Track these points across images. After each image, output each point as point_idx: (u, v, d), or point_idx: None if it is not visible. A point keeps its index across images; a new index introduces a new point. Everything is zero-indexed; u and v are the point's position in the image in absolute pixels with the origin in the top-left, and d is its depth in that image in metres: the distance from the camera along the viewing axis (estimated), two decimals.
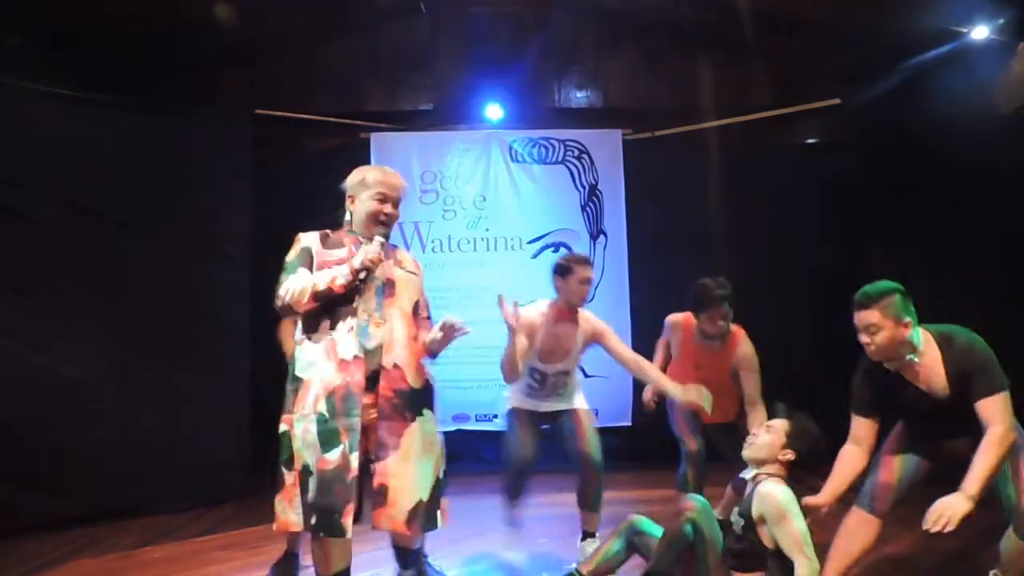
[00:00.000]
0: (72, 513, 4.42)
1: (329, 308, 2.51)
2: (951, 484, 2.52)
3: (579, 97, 6.36)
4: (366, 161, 5.91)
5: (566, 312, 3.51)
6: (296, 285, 2.49)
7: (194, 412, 4.82)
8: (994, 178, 4.61)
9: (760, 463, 2.82)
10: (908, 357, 2.66)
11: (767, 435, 2.83)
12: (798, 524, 2.62)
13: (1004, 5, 4.57)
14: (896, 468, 2.79)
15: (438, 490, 2.60)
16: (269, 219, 5.34)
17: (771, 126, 6.10)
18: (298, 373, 2.51)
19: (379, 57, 6.16)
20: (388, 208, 2.68)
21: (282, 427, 2.50)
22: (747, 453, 2.86)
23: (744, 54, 5.98)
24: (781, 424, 2.85)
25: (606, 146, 6.08)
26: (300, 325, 2.58)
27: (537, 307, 3.55)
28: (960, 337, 2.67)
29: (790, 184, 5.82)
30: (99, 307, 4.64)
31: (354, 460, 2.40)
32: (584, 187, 6.06)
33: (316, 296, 2.47)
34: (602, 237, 6.01)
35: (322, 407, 2.42)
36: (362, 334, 2.51)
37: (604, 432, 5.58)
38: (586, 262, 3.54)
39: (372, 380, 2.51)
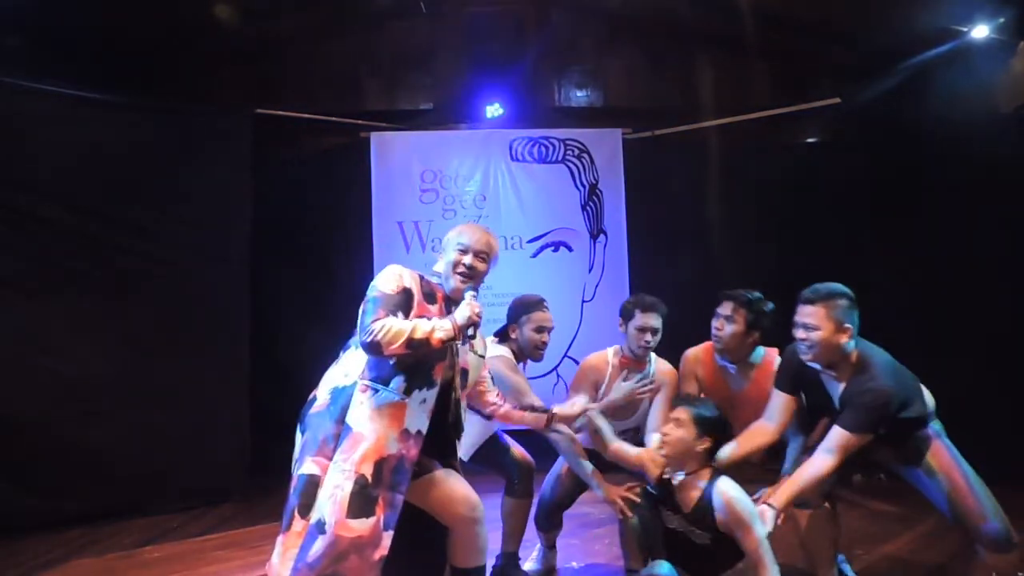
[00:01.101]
0: (72, 513, 4.42)
1: (408, 368, 2.34)
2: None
3: (579, 96, 6.36)
4: (366, 161, 5.93)
5: (632, 361, 3.26)
6: (394, 325, 2.26)
7: (194, 412, 4.81)
8: (994, 177, 4.61)
9: (681, 463, 2.72)
10: (837, 365, 2.69)
11: (677, 429, 2.71)
12: (760, 530, 2.57)
13: (1004, 4, 4.57)
14: None
15: None
16: (269, 218, 5.36)
17: (771, 125, 6.10)
18: (349, 422, 2.31)
19: (379, 56, 6.16)
20: (468, 259, 2.53)
21: (309, 468, 2.29)
22: (665, 452, 2.74)
23: (744, 53, 5.97)
24: (685, 412, 2.73)
25: (606, 145, 6.07)
26: (367, 370, 2.38)
27: (603, 354, 3.33)
28: (873, 368, 2.63)
29: (790, 183, 5.81)
30: (99, 307, 4.64)
31: (387, 539, 2.24)
32: (584, 186, 6.06)
33: (411, 344, 2.26)
34: (602, 236, 6.01)
35: (367, 470, 2.24)
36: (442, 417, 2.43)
37: None
38: (652, 308, 3.19)
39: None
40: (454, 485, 2.43)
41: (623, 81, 6.29)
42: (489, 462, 3.28)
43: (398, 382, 2.34)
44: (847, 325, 2.63)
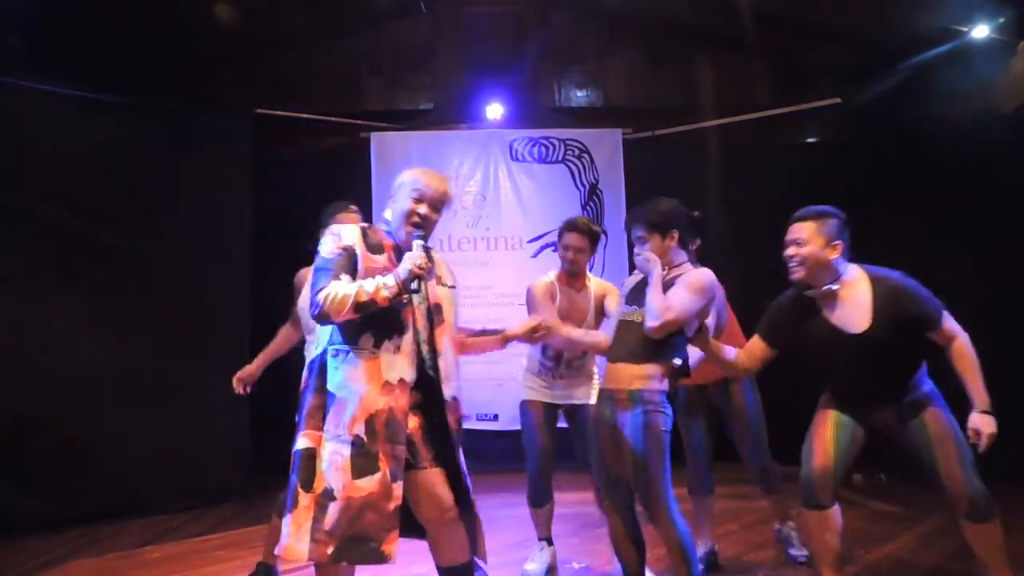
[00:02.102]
0: (72, 513, 4.43)
1: (373, 321, 2.28)
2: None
3: (579, 96, 6.37)
4: (366, 161, 5.92)
5: (568, 278, 3.45)
6: (338, 292, 2.22)
7: (194, 412, 4.82)
8: (995, 177, 4.61)
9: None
10: (827, 286, 2.68)
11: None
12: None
13: (1004, 4, 4.57)
14: (828, 450, 2.71)
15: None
16: (269, 218, 5.36)
17: (771, 125, 6.10)
18: (331, 388, 2.29)
19: (379, 57, 6.16)
20: (423, 209, 2.42)
21: (303, 443, 2.28)
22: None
23: (744, 53, 5.97)
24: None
25: (606, 145, 6.08)
26: (334, 335, 2.34)
27: (544, 277, 3.51)
28: (895, 276, 2.68)
29: (790, 183, 5.80)
30: (99, 307, 4.65)
31: (398, 489, 2.23)
32: (584, 186, 6.06)
33: (358, 307, 2.22)
34: (602, 236, 5.99)
35: (359, 430, 2.23)
36: (417, 361, 2.35)
37: None
38: (571, 227, 3.43)
39: (417, 409, 2.36)
40: (429, 488, 2.35)
41: (623, 81, 6.29)
42: None
43: (366, 338, 2.29)
44: (837, 241, 2.66)
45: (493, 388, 5.61)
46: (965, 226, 4.91)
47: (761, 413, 3.49)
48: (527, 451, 3.45)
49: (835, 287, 2.68)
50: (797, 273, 2.70)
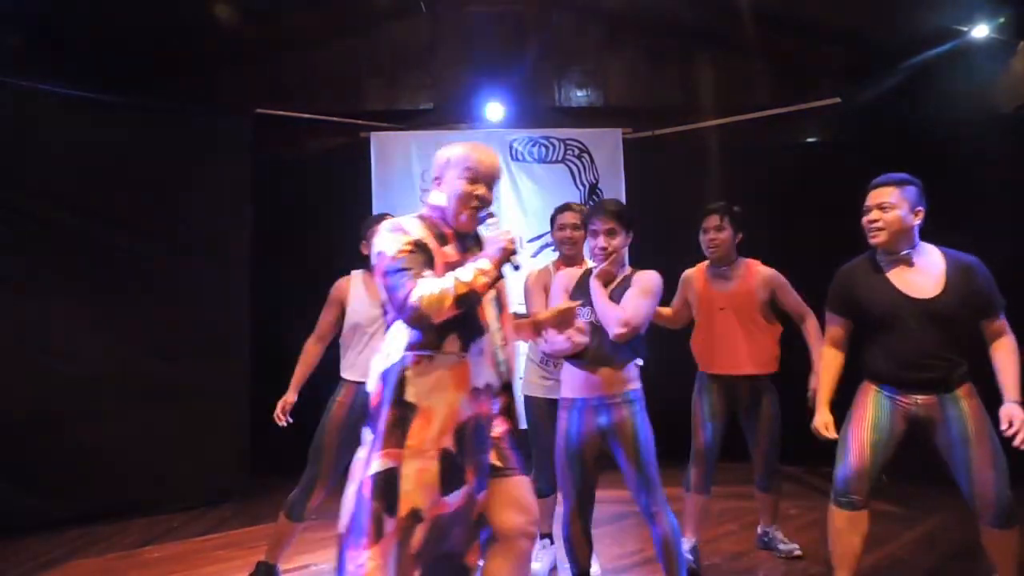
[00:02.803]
0: (72, 513, 4.43)
1: (457, 322, 2.07)
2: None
3: (579, 96, 6.36)
4: (366, 161, 5.92)
5: (567, 264, 3.42)
6: (433, 290, 1.99)
7: (194, 412, 4.81)
8: (994, 177, 4.61)
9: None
10: (906, 252, 2.71)
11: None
12: None
13: (1004, 4, 4.57)
14: (865, 449, 2.69)
15: None
16: (269, 218, 5.35)
17: (771, 125, 6.09)
18: (411, 399, 2.06)
19: (379, 56, 6.15)
20: (480, 190, 2.20)
21: (381, 463, 2.04)
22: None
23: (744, 53, 5.97)
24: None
25: (606, 145, 6.07)
26: (412, 340, 2.10)
27: (542, 266, 3.53)
28: (970, 256, 2.74)
29: (790, 183, 5.81)
30: (99, 307, 4.64)
31: (481, 499, 2.12)
32: (584, 186, 6.06)
33: (459, 301, 2.00)
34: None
35: (447, 443, 2.04)
36: (498, 360, 2.18)
37: None
38: (566, 208, 3.43)
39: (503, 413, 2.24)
40: (517, 495, 2.20)
41: (623, 81, 6.29)
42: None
43: (451, 341, 2.08)
44: (920, 207, 2.73)
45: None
46: (965, 226, 4.90)
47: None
48: (533, 444, 3.46)
49: (909, 254, 2.72)
50: (878, 238, 2.73)
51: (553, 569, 3.49)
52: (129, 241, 4.76)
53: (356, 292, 3.38)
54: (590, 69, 6.32)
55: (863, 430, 2.72)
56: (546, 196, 6.02)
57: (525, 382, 3.57)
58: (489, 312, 2.19)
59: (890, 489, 4.77)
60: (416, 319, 2.02)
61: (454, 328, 2.08)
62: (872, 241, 2.75)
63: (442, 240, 2.16)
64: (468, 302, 2.03)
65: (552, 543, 3.52)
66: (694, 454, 3.52)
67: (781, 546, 3.60)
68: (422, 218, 2.20)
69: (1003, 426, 2.53)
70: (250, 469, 5.07)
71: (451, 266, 2.09)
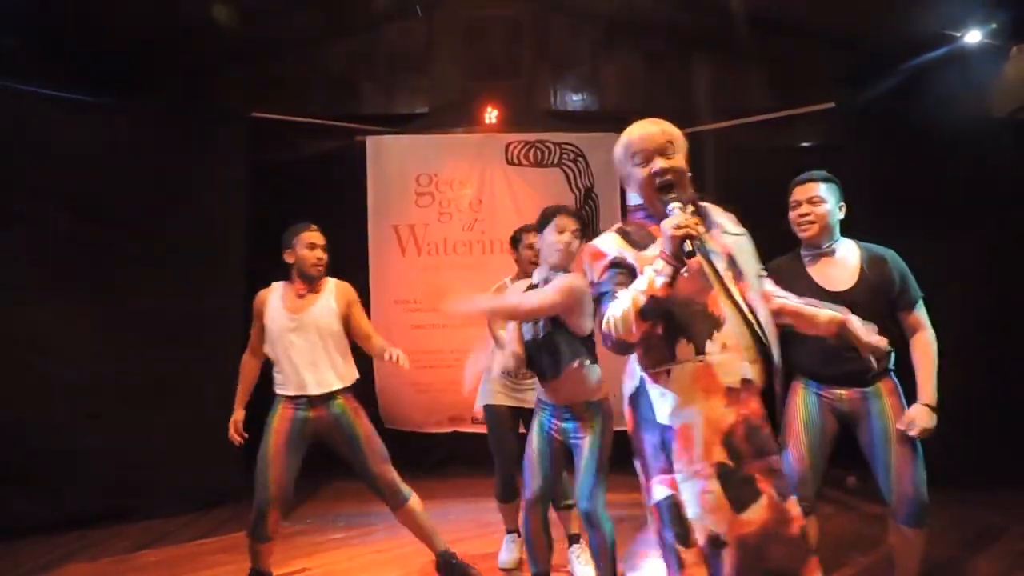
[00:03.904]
0: (67, 516, 4.41)
1: (678, 326, 1.90)
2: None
3: (575, 100, 6.37)
4: (362, 164, 5.92)
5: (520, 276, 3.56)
6: (615, 311, 1.86)
7: (190, 415, 4.79)
8: (988, 181, 4.64)
9: None
10: (827, 245, 2.81)
11: None
12: None
13: (996, 9, 4.59)
14: (803, 452, 2.75)
15: None
16: (265, 221, 5.35)
17: (767, 129, 6.11)
18: (664, 421, 1.90)
19: (376, 60, 6.16)
20: (658, 164, 2.00)
21: (661, 491, 1.90)
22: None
23: (740, 57, 5.99)
24: None
25: (602, 149, 6.07)
26: (643, 358, 1.97)
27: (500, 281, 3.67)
28: (885, 249, 2.81)
29: (786, 187, 5.81)
30: (96, 310, 4.64)
31: (793, 507, 1.87)
32: (580, 190, 6.07)
33: (642, 313, 1.82)
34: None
35: (720, 456, 1.85)
36: (744, 347, 1.93)
37: None
38: (532, 230, 3.44)
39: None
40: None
41: (619, 85, 6.30)
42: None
43: (683, 347, 1.91)
44: (842, 204, 2.87)
45: None
46: (960, 230, 4.93)
47: None
48: (495, 452, 3.63)
49: (832, 247, 2.80)
50: (810, 231, 2.82)
51: (522, 561, 3.57)
52: (124, 243, 4.76)
53: (272, 303, 3.40)
54: (586, 73, 6.34)
55: (799, 433, 2.77)
56: (541, 200, 6.01)
57: (489, 391, 3.66)
58: (722, 299, 1.95)
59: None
60: (615, 346, 1.91)
61: (680, 332, 1.91)
62: (803, 235, 2.85)
63: (643, 244, 1.99)
64: (653, 308, 1.83)
65: (520, 536, 3.58)
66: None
67: None
68: (620, 230, 2.06)
69: (901, 426, 2.59)
70: (245, 473, 5.05)
71: None
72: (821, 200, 2.82)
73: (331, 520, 4.60)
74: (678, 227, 1.80)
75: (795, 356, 2.78)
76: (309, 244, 3.38)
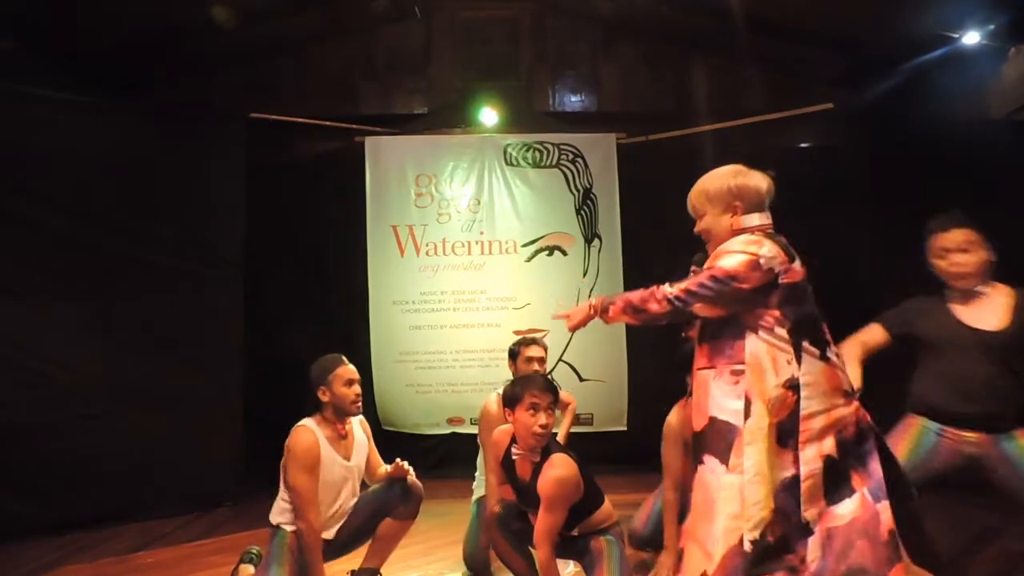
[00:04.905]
0: (64, 518, 4.39)
1: (805, 323, 2.16)
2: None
3: (573, 101, 6.37)
4: (360, 165, 5.93)
5: None
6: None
7: (188, 417, 4.79)
8: (987, 181, 4.64)
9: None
10: (978, 288, 2.66)
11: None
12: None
13: (995, 10, 4.60)
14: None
15: None
16: (263, 222, 5.35)
17: (765, 130, 6.11)
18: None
19: (374, 61, 6.16)
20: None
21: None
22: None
23: (738, 58, 5.99)
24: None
25: (600, 150, 6.09)
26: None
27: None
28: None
29: (784, 188, 5.80)
30: (93, 312, 4.62)
31: (885, 509, 1.98)
32: (579, 191, 6.07)
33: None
34: (596, 241, 6.01)
35: (830, 449, 2.00)
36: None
37: (599, 436, 5.62)
38: (533, 342, 3.53)
39: None
40: None
41: (618, 86, 6.31)
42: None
43: (807, 345, 2.13)
44: (991, 246, 2.69)
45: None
46: None
47: None
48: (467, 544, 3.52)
49: (985, 289, 2.67)
50: (968, 283, 2.66)
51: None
52: (122, 245, 4.74)
53: (325, 452, 3.13)
54: (584, 74, 6.34)
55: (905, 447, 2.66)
56: (540, 201, 6.04)
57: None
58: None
59: None
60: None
61: (804, 333, 2.13)
62: (958, 285, 2.69)
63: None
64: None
65: None
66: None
67: None
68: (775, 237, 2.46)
69: None
70: (243, 474, 5.05)
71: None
72: (976, 248, 2.68)
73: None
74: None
75: (921, 390, 2.70)
76: (347, 381, 3.09)
